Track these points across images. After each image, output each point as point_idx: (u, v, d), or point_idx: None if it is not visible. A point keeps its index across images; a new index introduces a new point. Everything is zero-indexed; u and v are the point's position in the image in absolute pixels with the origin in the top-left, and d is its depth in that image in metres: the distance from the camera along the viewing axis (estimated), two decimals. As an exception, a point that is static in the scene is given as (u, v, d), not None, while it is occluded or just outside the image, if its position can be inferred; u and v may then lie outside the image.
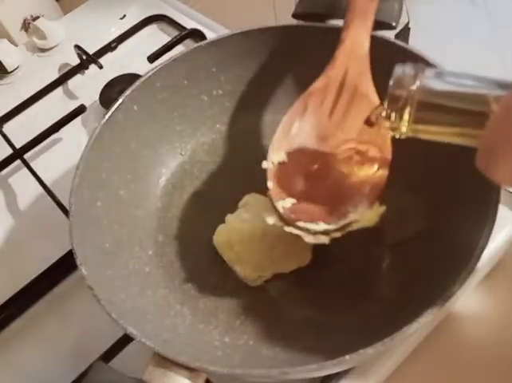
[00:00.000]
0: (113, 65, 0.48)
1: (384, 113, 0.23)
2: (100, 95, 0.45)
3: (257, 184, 0.30)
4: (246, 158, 0.36)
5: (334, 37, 0.30)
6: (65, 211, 0.36)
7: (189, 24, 0.49)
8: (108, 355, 0.31)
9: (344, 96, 0.29)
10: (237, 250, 0.31)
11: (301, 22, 0.35)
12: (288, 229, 0.27)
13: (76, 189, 0.30)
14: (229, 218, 0.32)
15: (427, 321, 0.23)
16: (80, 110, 0.43)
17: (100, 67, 0.47)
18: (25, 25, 0.54)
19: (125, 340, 0.31)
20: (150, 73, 0.34)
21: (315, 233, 0.27)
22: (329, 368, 0.23)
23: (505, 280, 0.33)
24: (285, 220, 0.28)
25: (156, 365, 0.24)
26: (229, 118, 0.38)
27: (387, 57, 0.26)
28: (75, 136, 0.44)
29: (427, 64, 0.29)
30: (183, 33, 0.47)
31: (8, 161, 0.42)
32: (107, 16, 0.53)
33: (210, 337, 0.29)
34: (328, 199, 0.28)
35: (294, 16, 0.36)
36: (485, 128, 0.20)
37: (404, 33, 0.36)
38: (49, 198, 0.38)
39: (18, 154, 0.42)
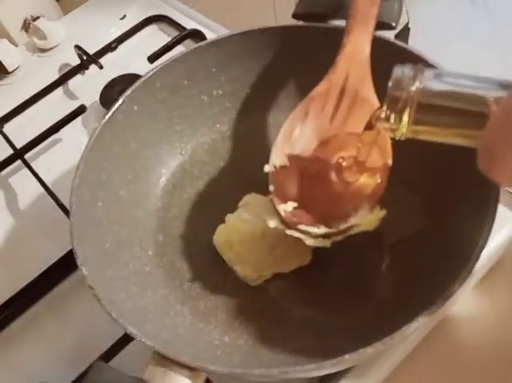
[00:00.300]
0: (113, 66, 0.48)
1: (383, 115, 0.23)
2: (101, 95, 0.45)
3: (257, 184, 0.30)
4: (246, 158, 0.36)
5: (334, 38, 0.30)
6: (66, 211, 0.36)
7: (189, 24, 0.49)
8: (108, 355, 0.31)
9: (345, 100, 0.29)
10: (237, 250, 0.31)
11: (301, 23, 0.35)
12: (289, 232, 0.28)
13: (77, 189, 0.30)
14: (229, 218, 0.32)
15: (426, 320, 0.23)
16: (80, 110, 0.43)
17: (101, 67, 0.47)
18: (26, 26, 0.54)
19: (125, 339, 0.31)
20: (150, 74, 0.34)
21: (316, 236, 0.27)
22: (329, 367, 0.23)
23: (504, 280, 0.33)
24: (286, 223, 0.28)
25: (156, 365, 0.24)
26: (229, 118, 0.38)
27: (387, 57, 0.26)
28: (75, 136, 0.44)
29: (427, 64, 0.29)
30: (183, 33, 0.47)
31: (8, 161, 0.42)
32: (107, 16, 0.53)
33: (210, 337, 0.29)
34: (329, 203, 0.28)
35: (294, 16, 0.36)
36: (485, 129, 0.20)
37: (404, 33, 0.36)
38: (49, 198, 0.38)
39: (19, 154, 0.42)
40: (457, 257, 0.25)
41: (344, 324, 0.28)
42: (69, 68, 0.49)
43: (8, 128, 0.46)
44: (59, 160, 0.42)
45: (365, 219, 0.27)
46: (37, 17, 0.53)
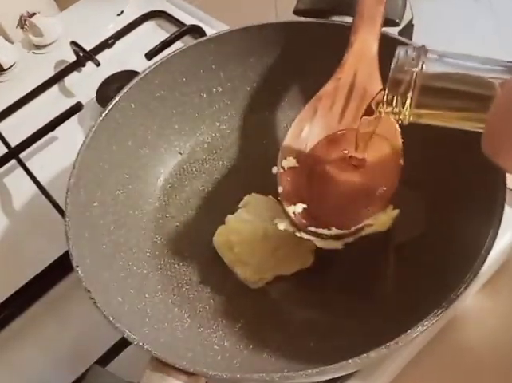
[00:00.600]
0: (110, 62, 0.47)
1: (385, 98, 0.22)
2: (97, 92, 0.45)
3: (258, 184, 0.30)
4: (246, 157, 0.36)
5: (336, 34, 0.30)
6: (61, 212, 0.36)
7: (188, 20, 0.48)
8: (105, 359, 0.30)
9: (353, 99, 0.29)
10: (237, 251, 0.30)
11: (302, 18, 0.35)
12: (300, 234, 0.27)
13: (73, 189, 0.29)
14: (229, 218, 0.32)
15: (431, 323, 0.22)
16: (76, 108, 0.43)
17: (97, 64, 0.46)
18: (21, 22, 0.53)
19: (122, 343, 0.30)
20: (148, 71, 0.34)
21: (327, 238, 0.27)
22: (331, 372, 0.23)
23: (510, 282, 0.33)
24: (296, 225, 0.28)
25: (154, 370, 0.24)
26: (229, 116, 0.37)
27: (390, 54, 0.26)
28: (71, 134, 0.43)
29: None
30: (182, 29, 0.46)
31: (3, 160, 0.42)
32: (104, 12, 0.52)
33: (209, 341, 0.29)
34: (340, 204, 0.28)
35: (295, 12, 0.35)
36: (489, 112, 0.19)
37: (408, 29, 0.36)
38: (44, 198, 0.38)
39: (13, 153, 0.42)
40: (463, 259, 0.24)
41: (347, 328, 0.28)
42: (66, 65, 0.48)
43: (2, 126, 0.45)
44: (54, 159, 0.42)
45: (378, 220, 0.27)
46: (33, 14, 0.52)
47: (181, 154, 0.37)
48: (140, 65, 0.41)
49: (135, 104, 0.34)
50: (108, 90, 0.44)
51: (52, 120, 0.42)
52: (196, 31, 0.46)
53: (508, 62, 0.20)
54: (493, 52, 0.22)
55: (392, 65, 0.22)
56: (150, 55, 0.44)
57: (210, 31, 0.46)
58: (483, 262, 0.24)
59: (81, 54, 0.47)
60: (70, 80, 0.48)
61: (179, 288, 0.31)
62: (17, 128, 0.45)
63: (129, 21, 0.50)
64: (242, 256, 0.30)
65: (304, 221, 0.28)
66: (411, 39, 0.36)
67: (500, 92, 0.19)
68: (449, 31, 0.44)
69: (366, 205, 0.27)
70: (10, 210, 0.41)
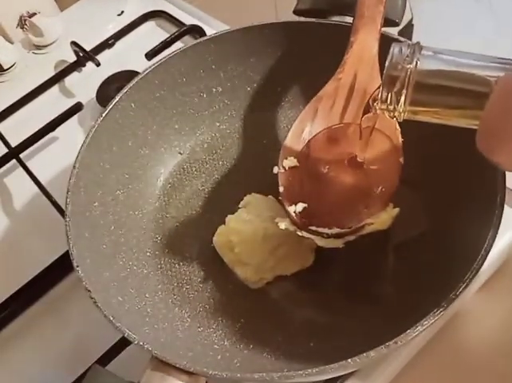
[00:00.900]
0: (111, 62, 0.47)
1: (380, 96, 0.22)
2: (97, 93, 0.45)
3: (258, 184, 0.30)
4: (246, 157, 0.36)
5: (336, 34, 0.30)
6: (61, 212, 0.36)
7: (188, 20, 0.48)
8: (106, 359, 0.30)
9: (354, 99, 0.29)
10: (237, 251, 0.30)
11: (302, 19, 0.35)
12: (301, 233, 0.28)
13: (73, 189, 0.29)
14: (229, 218, 0.32)
15: (431, 323, 0.22)
16: (76, 108, 0.43)
17: (98, 64, 0.46)
18: (22, 22, 0.53)
19: (123, 343, 0.30)
20: (148, 71, 0.34)
21: (328, 237, 0.27)
22: (330, 372, 0.23)
23: (509, 282, 0.33)
24: (297, 225, 0.28)
25: (154, 369, 0.24)
26: (229, 116, 0.37)
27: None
28: (71, 134, 0.43)
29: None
30: (182, 29, 0.46)
31: (3, 160, 0.42)
32: (104, 12, 0.52)
33: (209, 341, 0.29)
34: (340, 203, 0.28)
35: (295, 12, 0.36)
36: (484, 109, 0.19)
37: (408, 29, 0.36)
38: (44, 198, 0.38)
39: (14, 153, 0.42)
40: (462, 259, 0.24)
41: (347, 327, 0.28)
42: (66, 65, 0.48)
43: (3, 126, 0.45)
44: (55, 159, 0.42)
45: (378, 218, 0.27)
46: (34, 14, 0.52)
47: (181, 154, 0.37)
48: (140, 65, 0.41)
49: (135, 104, 0.34)
50: (108, 90, 0.44)
51: (52, 120, 0.42)
52: (196, 31, 0.46)
53: (503, 59, 0.20)
54: (493, 52, 0.22)
55: (387, 63, 0.22)
56: (150, 55, 0.44)
57: (210, 31, 0.46)
58: (483, 262, 0.24)
59: (81, 54, 0.47)
60: (70, 80, 0.48)
61: (180, 288, 0.31)
62: (17, 128, 0.45)
63: (129, 21, 0.50)
64: (243, 256, 0.30)
65: (304, 220, 0.28)
66: (411, 39, 0.36)
67: (495, 88, 0.19)
68: (449, 31, 0.44)
69: (367, 204, 0.27)
70: (11, 210, 0.41)
